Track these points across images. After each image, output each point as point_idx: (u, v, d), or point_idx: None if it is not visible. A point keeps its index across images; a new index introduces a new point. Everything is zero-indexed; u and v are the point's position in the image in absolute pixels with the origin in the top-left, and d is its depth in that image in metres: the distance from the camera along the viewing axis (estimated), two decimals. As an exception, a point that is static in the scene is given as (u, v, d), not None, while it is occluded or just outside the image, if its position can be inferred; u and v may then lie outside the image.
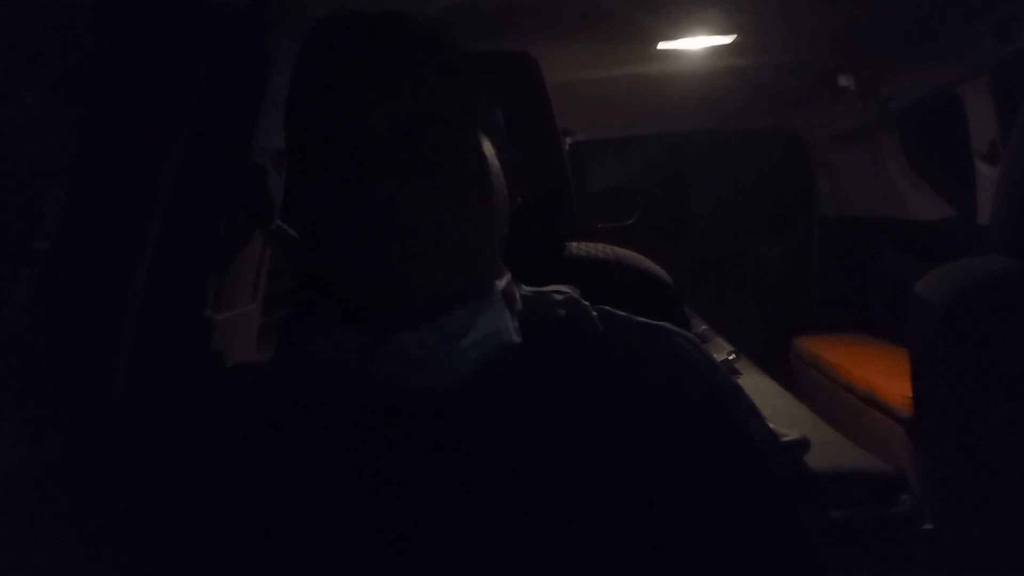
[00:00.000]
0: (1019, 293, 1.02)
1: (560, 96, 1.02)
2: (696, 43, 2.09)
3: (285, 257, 1.35)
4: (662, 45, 2.10)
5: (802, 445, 1.33)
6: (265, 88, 1.18)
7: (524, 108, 0.98)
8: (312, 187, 0.59)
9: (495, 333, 0.59)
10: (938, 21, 1.89)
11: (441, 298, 0.57)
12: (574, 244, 1.02)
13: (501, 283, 0.64)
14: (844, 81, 2.42)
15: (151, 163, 1.06)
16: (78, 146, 1.04)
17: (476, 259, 0.61)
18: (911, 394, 1.26)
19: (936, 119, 2.47)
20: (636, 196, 3.03)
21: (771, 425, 0.70)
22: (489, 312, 0.60)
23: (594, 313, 0.66)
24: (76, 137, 1.04)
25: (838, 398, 2.56)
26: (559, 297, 0.68)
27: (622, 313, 0.68)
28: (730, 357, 2.29)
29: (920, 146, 2.74)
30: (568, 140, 2.95)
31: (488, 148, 0.63)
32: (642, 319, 0.68)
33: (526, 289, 0.68)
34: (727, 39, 2.07)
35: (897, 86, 2.43)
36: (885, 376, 2.27)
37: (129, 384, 1.01)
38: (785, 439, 1.20)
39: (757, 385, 2.28)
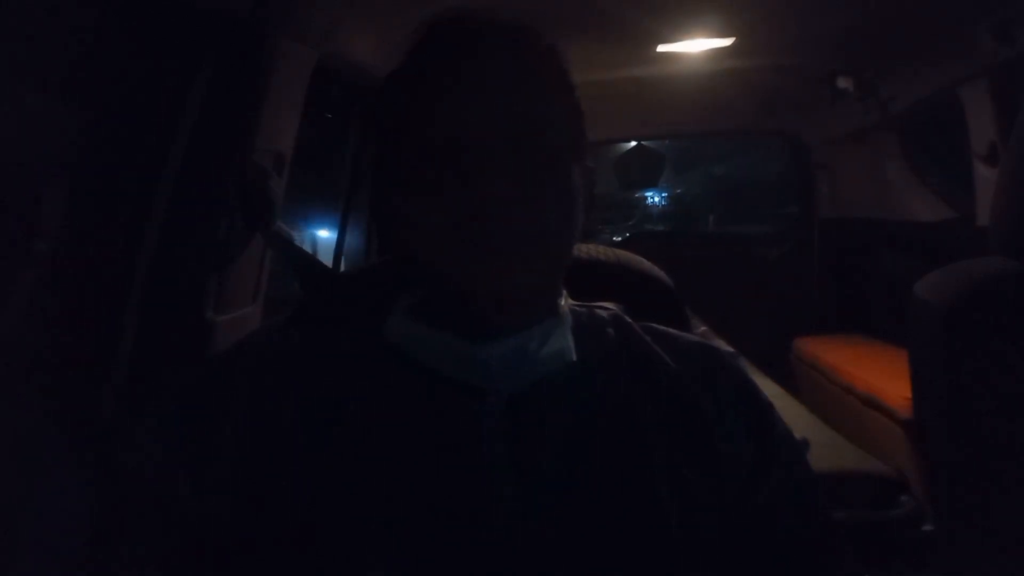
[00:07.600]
0: (1019, 294, 1.02)
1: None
2: (695, 45, 2.09)
3: (286, 259, 1.34)
4: (662, 47, 2.10)
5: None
6: (265, 90, 1.18)
7: None
8: (419, 187, 0.58)
9: (559, 351, 0.62)
10: (938, 22, 1.89)
11: (526, 309, 0.59)
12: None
13: (562, 299, 0.65)
14: (843, 83, 2.41)
15: (151, 163, 1.06)
16: (78, 146, 1.05)
17: (561, 270, 0.63)
18: (911, 395, 1.26)
19: (936, 120, 2.47)
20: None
21: None
22: (557, 331, 0.62)
23: (639, 330, 0.68)
24: (76, 137, 1.04)
25: (838, 399, 2.56)
26: (605, 315, 0.69)
27: (666, 329, 0.69)
28: (730, 359, 2.29)
29: (920, 148, 2.74)
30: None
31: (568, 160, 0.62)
32: (687, 335, 0.69)
33: (571, 302, 0.68)
34: (726, 41, 2.07)
35: (897, 88, 2.42)
36: (885, 377, 2.27)
37: (129, 384, 1.01)
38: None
39: (757, 386, 2.27)
